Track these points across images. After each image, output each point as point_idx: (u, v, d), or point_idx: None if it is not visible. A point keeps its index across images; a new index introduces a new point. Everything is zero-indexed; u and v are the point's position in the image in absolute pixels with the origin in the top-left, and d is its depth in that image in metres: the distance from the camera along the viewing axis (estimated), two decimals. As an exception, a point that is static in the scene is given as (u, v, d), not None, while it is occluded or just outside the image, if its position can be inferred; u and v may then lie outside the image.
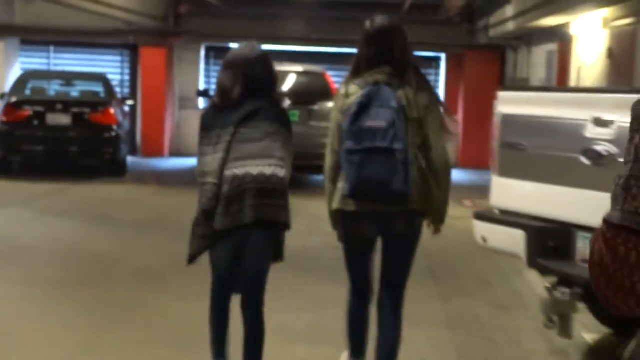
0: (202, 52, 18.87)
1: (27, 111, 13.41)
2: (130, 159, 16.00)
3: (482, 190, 7.60)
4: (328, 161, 4.37)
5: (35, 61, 18.28)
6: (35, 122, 13.38)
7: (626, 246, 2.39)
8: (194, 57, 18.64)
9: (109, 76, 17.09)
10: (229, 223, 4.23)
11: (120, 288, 6.86)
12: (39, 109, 13.47)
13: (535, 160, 4.99)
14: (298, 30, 17.86)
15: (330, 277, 6.86)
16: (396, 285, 4.42)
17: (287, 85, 13.83)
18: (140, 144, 17.97)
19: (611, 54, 10.27)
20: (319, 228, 8.25)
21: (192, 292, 6.36)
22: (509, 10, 13.19)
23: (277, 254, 4.43)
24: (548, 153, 4.92)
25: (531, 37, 14.45)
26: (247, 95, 4.33)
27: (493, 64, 17.20)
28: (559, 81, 13.05)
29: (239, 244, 4.28)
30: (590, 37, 11.19)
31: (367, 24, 4.41)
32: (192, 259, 4.38)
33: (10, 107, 13.47)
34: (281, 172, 4.27)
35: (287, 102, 12.95)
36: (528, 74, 15.17)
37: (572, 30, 11.84)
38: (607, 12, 10.08)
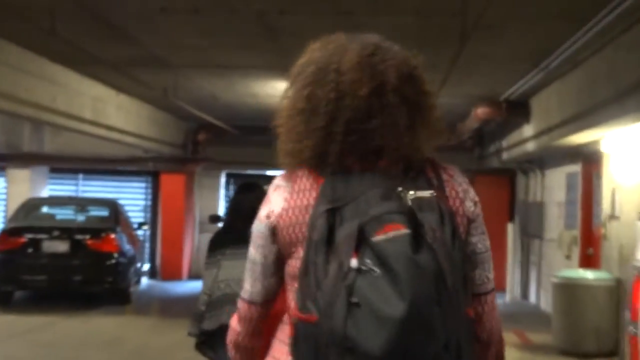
0: (222, 179, 15.82)
1: (22, 238, 10.24)
2: (148, 283, 12.74)
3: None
4: None
5: (65, 188, 15.30)
6: (30, 250, 10.20)
7: None
8: (213, 183, 15.58)
9: (134, 202, 14.02)
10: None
11: None
12: (36, 235, 10.31)
13: None
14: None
15: None
16: None
17: None
18: (159, 267, 14.73)
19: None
20: None
21: None
22: (528, 130, 9.99)
23: None
24: None
25: (546, 159, 11.18)
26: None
27: (503, 188, 13.92)
28: (584, 204, 9.70)
29: None
30: (629, 154, 7.89)
31: None
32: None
33: (5, 234, 10.33)
34: None
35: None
36: (542, 197, 11.84)
37: (603, 148, 8.55)
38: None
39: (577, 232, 9.83)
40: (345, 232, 1.43)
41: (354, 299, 1.37)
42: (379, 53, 1.58)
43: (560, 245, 10.51)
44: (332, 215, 1.47)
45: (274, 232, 1.60)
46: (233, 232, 4.00)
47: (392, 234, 1.40)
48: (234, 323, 1.74)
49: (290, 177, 1.63)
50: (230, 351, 1.77)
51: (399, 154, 1.56)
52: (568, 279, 8.35)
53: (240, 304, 1.71)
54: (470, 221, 1.61)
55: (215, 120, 13.23)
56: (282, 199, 1.61)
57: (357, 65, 1.55)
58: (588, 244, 9.53)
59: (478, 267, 1.62)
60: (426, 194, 1.49)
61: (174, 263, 14.58)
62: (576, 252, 9.80)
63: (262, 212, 1.64)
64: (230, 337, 1.75)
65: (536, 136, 9.57)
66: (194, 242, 15.27)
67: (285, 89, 1.67)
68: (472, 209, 1.62)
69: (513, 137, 11.03)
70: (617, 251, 8.23)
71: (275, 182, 1.66)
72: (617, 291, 8.04)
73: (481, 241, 1.63)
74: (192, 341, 3.88)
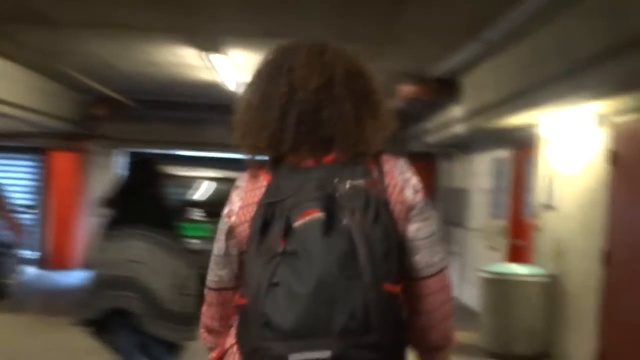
0: (122, 158, 14.47)
1: None
2: (34, 273, 11.34)
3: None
4: None
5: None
6: None
7: None
8: (112, 163, 14.21)
9: (21, 182, 12.55)
10: None
11: None
12: None
13: None
14: (220, 135, 13.63)
15: None
16: None
17: (200, 193, 9.54)
18: (48, 256, 13.29)
19: (616, 158, 6.29)
20: None
21: None
22: (457, 111, 9.20)
23: None
24: None
25: (472, 143, 10.47)
26: None
27: (424, 173, 13.15)
28: (514, 192, 9.01)
29: None
30: (571, 139, 7.19)
31: None
32: None
33: None
34: None
35: (198, 214, 8.63)
36: (465, 184, 11.15)
37: (541, 131, 7.84)
38: (604, 105, 6.09)
39: (504, 222, 9.15)
40: (278, 222, 1.62)
41: (275, 280, 1.56)
42: (328, 51, 1.77)
43: (486, 235, 9.84)
44: (272, 209, 1.64)
45: (230, 230, 1.81)
46: (125, 213, 4.01)
47: (308, 218, 1.59)
48: (205, 311, 1.93)
49: (247, 178, 1.80)
50: (202, 334, 1.96)
51: (348, 144, 1.72)
52: (498, 273, 7.61)
53: (210, 294, 1.90)
54: (410, 208, 1.75)
55: (112, 92, 11.93)
56: (239, 198, 1.80)
57: (307, 62, 1.74)
58: (517, 235, 8.85)
59: (420, 252, 1.75)
60: (359, 182, 1.66)
61: (65, 250, 13.19)
62: (503, 244, 9.12)
63: (225, 210, 1.83)
64: (204, 322, 1.93)
65: (466, 118, 8.79)
66: (89, 228, 13.88)
67: (244, 89, 1.85)
68: (412, 196, 1.76)
69: (439, 119, 10.25)
70: (553, 244, 7.55)
71: (236, 182, 1.83)
72: (552, 288, 7.35)
73: (422, 227, 1.75)
74: (69, 343, 2.91)
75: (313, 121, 1.70)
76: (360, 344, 1.52)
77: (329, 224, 1.57)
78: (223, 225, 1.82)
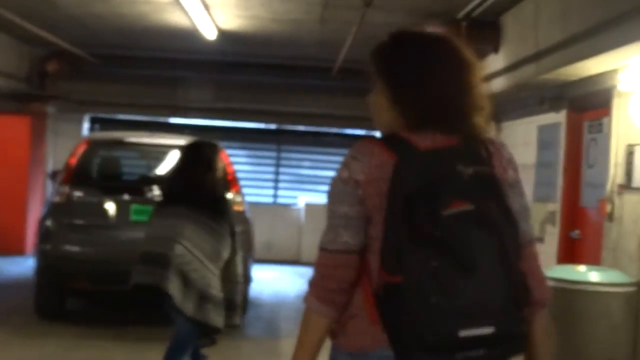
0: (85, 124, 12.32)
1: None
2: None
3: None
4: None
5: None
6: None
7: None
8: (73, 129, 12.00)
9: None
10: None
11: None
12: None
13: None
14: (200, 98, 11.41)
15: None
16: None
17: (155, 165, 7.62)
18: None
19: None
20: None
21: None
22: (496, 62, 7.06)
23: None
24: None
25: (506, 106, 8.35)
26: None
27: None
28: (569, 168, 6.90)
29: None
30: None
31: None
32: None
33: None
34: None
35: (153, 191, 6.66)
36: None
37: (622, 84, 5.71)
38: None
39: (555, 207, 7.07)
40: (423, 207, 1.73)
41: (434, 264, 1.70)
42: (454, 41, 1.95)
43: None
44: (414, 192, 1.76)
45: (361, 196, 1.86)
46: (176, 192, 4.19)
47: (459, 209, 1.72)
48: (322, 276, 1.89)
49: (365, 152, 1.89)
50: (312, 302, 1.91)
51: (466, 129, 1.88)
52: (561, 280, 5.54)
53: (334, 257, 1.88)
54: (512, 186, 1.93)
55: (66, 44, 9.75)
56: (360, 170, 1.87)
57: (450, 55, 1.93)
58: (572, 223, 6.78)
59: (521, 223, 1.90)
60: (483, 169, 1.82)
61: (15, 233, 11.09)
62: (553, 235, 7.05)
63: (343, 174, 1.89)
64: (319, 288, 1.89)
65: (510, 68, 6.68)
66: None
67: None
68: (514, 175, 1.95)
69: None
70: (636, 239, 5.50)
71: (352, 153, 1.90)
72: (636, 301, 5.31)
73: (521, 201, 1.96)
74: None
75: (440, 106, 1.86)
76: (515, 320, 1.76)
77: (479, 218, 1.73)
78: (349, 189, 1.87)
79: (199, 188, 4.14)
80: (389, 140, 1.85)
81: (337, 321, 1.89)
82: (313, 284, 1.90)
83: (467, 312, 1.67)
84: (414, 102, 1.85)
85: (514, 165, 1.94)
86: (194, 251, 3.95)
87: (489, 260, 1.69)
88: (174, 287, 3.89)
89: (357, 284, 1.86)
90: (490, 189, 1.77)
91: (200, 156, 4.20)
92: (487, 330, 1.68)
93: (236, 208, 6.50)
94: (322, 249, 1.89)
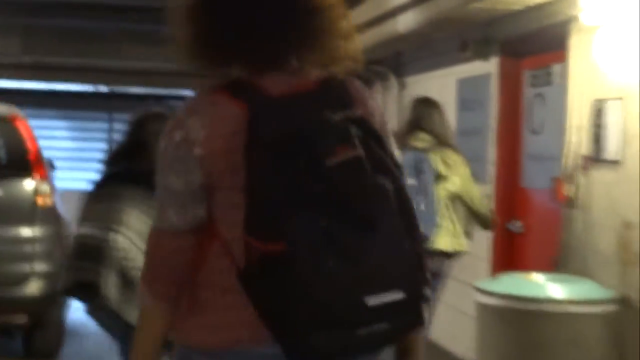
0: None
1: None
2: None
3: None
4: None
5: None
6: None
7: None
8: None
9: None
10: None
11: None
12: None
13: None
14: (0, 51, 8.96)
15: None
16: None
17: None
18: None
19: None
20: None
21: None
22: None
23: None
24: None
25: (413, 55, 6.76)
26: None
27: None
28: (506, 138, 5.31)
29: None
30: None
31: None
32: None
33: None
34: None
35: None
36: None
37: (585, 16, 4.20)
38: None
39: (486, 189, 5.51)
40: (298, 160, 1.51)
41: (322, 224, 1.52)
42: None
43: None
44: (281, 144, 1.53)
45: (199, 160, 1.62)
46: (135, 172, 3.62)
47: (345, 156, 1.52)
48: (157, 261, 1.71)
49: (205, 102, 1.65)
50: (147, 291, 1.73)
51: (318, 68, 1.68)
52: (514, 298, 3.90)
53: (169, 238, 1.69)
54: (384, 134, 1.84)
55: None
56: (199, 125, 1.62)
57: None
58: (511, 212, 5.31)
59: None
60: (352, 113, 1.61)
61: None
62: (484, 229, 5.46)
63: (174, 135, 1.64)
64: (152, 275, 1.71)
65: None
66: None
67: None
68: (382, 124, 1.73)
69: (370, 10, 6.29)
70: (613, 233, 4.02)
71: (188, 106, 1.67)
72: (622, 322, 3.86)
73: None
74: None
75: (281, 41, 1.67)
76: (422, 281, 1.57)
77: (371, 164, 1.55)
78: (182, 153, 1.63)
79: (141, 162, 3.67)
80: (233, 87, 1.61)
81: (178, 316, 1.69)
82: (142, 276, 1.72)
83: (372, 276, 1.50)
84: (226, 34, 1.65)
85: (382, 113, 1.74)
86: (138, 243, 3.44)
87: (389, 213, 1.52)
88: (106, 284, 3.45)
89: (201, 269, 1.65)
90: (369, 134, 1.58)
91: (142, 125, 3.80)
92: (397, 295, 1.52)
93: (41, 202, 5.40)
94: (150, 233, 1.72)
